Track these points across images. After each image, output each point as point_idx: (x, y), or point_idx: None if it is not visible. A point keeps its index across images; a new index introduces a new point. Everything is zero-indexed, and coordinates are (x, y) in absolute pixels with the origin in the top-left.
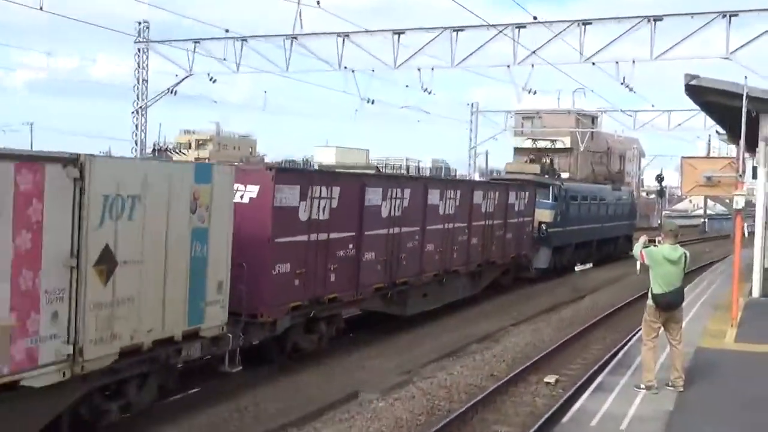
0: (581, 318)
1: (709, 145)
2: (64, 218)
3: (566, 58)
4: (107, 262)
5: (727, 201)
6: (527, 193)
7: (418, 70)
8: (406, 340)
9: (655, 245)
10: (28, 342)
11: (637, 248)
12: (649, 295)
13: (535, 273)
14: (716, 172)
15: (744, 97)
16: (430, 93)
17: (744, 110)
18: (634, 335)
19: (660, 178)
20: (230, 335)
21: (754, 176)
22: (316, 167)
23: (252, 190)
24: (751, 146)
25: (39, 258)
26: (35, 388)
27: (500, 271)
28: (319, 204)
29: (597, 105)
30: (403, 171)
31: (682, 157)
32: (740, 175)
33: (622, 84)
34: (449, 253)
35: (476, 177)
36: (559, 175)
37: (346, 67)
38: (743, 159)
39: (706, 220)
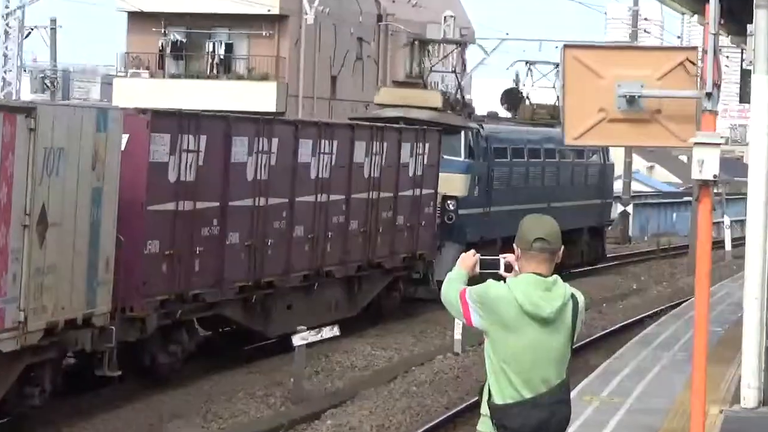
0: None
1: (636, 14)
2: (23, 173)
3: None
4: (43, 222)
5: (684, 160)
6: (428, 146)
7: None
8: None
9: (498, 277)
10: (1, 302)
11: (450, 287)
12: (483, 407)
13: (437, 290)
14: (651, 83)
15: None
16: None
17: None
18: None
19: (513, 97)
20: (113, 328)
21: (744, 98)
22: None
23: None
24: (735, 21)
25: (9, 213)
26: (4, 353)
27: (386, 281)
28: (187, 160)
29: None
30: None
31: (566, 46)
32: (708, 94)
33: None
34: (322, 244)
35: (15, 87)
36: (472, 111)
37: None
38: (715, 50)
39: (630, 208)
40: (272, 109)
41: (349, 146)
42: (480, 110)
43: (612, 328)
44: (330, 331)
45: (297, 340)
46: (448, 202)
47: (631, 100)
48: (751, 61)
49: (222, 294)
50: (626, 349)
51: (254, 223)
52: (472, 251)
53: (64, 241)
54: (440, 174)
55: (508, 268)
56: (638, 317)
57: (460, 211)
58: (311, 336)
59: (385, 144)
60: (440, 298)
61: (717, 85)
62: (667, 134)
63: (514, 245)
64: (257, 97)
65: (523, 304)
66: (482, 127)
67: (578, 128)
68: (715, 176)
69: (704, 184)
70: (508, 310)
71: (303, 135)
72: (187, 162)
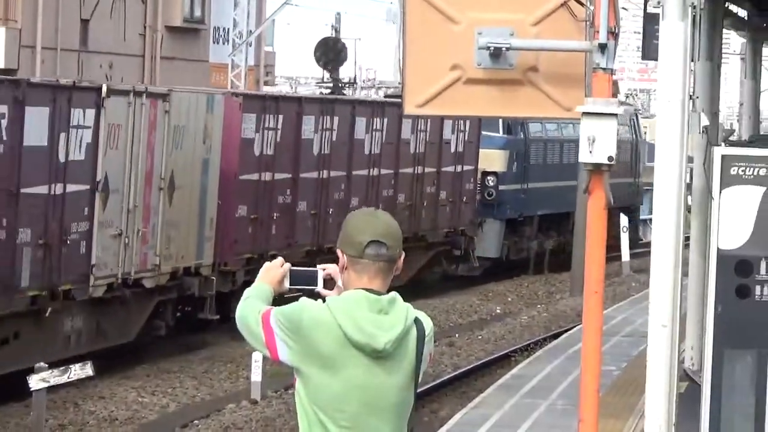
0: None
1: None
2: (160, 146)
3: None
4: (172, 186)
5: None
6: (468, 122)
7: None
8: None
9: (315, 295)
10: (145, 248)
11: (248, 307)
12: None
13: (480, 267)
14: (524, 30)
15: None
16: None
17: None
18: None
19: (331, 50)
20: (214, 278)
21: (649, 54)
22: None
23: None
24: None
25: (151, 178)
26: (146, 288)
27: (429, 256)
28: (267, 136)
29: None
30: None
31: None
32: (601, 46)
33: None
34: None
35: None
36: None
37: None
38: None
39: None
40: (0, 64)
41: (398, 123)
42: (289, 69)
43: (468, 368)
44: (81, 370)
45: (35, 382)
46: (488, 178)
47: (497, 54)
48: (659, 2)
49: (293, 256)
50: (487, 395)
51: (318, 194)
52: (280, 259)
53: (184, 202)
54: (480, 150)
55: (329, 283)
56: (503, 352)
57: (500, 187)
58: (54, 377)
59: (429, 121)
60: (470, 272)
61: (614, 34)
62: (545, 101)
63: (338, 251)
64: None
65: (348, 331)
66: None
67: (423, 93)
68: (611, 158)
69: (596, 169)
70: (328, 340)
71: (359, 113)
72: (268, 138)
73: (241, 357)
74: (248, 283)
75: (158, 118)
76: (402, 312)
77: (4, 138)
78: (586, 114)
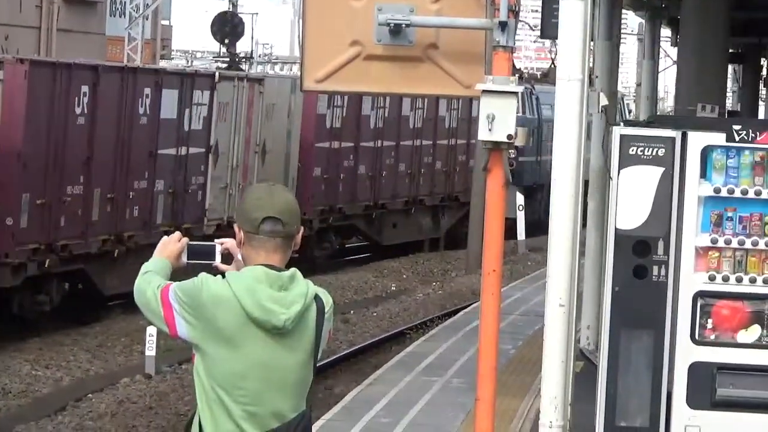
0: None
1: None
2: (257, 119)
3: None
4: (264, 150)
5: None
6: None
7: None
8: None
9: (214, 270)
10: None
11: (146, 282)
12: None
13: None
14: (424, 7)
15: None
16: None
17: None
18: None
19: (227, 23)
20: None
21: (547, 32)
22: None
23: None
24: None
25: (249, 144)
26: None
27: (461, 213)
28: (336, 113)
29: None
30: None
31: None
32: (501, 24)
33: None
34: (416, 178)
35: None
36: (521, 74)
37: None
38: None
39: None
40: None
41: (435, 103)
42: (186, 43)
43: (363, 345)
44: None
45: None
46: (510, 150)
47: (397, 31)
48: None
49: (355, 209)
50: (382, 372)
51: (374, 159)
52: (177, 234)
53: (273, 163)
54: None
55: (227, 258)
56: (398, 330)
57: (520, 159)
58: None
59: (460, 100)
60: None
61: (514, 12)
62: (445, 78)
63: (235, 226)
64: None
65: (248, 308)
66: (534, 88)
67: (322, 68)
68: (510, 137)
69: (495, 147)
70: (228, 317)
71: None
72: (336, 114)
73: (135, 331)
74: (323, 230)
75: (255, 97)
76: (302, 288)
77: (147, 112)
78: (485, 92)
